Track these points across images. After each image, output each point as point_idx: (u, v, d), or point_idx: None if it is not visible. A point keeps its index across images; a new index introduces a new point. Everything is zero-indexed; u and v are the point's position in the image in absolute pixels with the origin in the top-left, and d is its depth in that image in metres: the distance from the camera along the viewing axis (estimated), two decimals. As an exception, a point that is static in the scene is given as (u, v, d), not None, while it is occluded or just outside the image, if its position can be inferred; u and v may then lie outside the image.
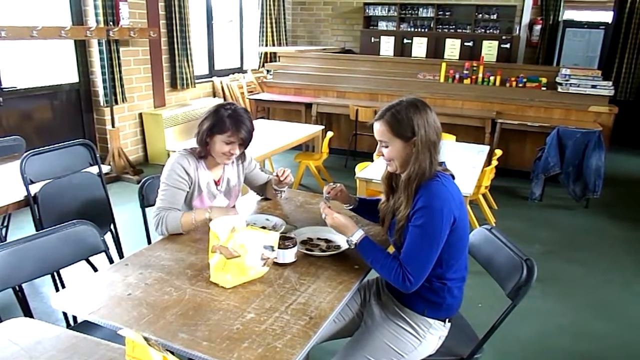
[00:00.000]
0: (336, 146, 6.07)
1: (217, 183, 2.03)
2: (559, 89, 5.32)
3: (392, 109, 1.51)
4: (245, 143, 1.91)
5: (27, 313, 1.74)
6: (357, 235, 1.57)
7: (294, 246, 1.63)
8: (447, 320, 1.62)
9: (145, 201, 2.19)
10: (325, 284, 1.51)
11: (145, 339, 1.04)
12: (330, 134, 4.80)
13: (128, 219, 3.79)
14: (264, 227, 1.84)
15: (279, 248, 1.59)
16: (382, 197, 1.72)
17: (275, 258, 1.59)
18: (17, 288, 1.79)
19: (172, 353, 1.14)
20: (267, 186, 2.23)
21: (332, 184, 1.90)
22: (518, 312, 1.65)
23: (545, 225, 4.17)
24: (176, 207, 1.88)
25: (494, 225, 4.00)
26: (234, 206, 2.08)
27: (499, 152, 4.10)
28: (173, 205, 1.87)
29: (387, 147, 1.52)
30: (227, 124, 1.84)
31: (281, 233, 1.74)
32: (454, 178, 1.57)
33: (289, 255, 1.62)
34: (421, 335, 1.59)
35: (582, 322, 2.77)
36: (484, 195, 4.14)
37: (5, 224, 3.12)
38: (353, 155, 5.96)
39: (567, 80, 5.30)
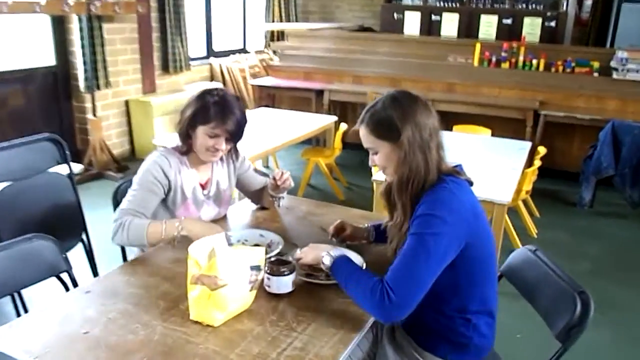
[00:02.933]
0: (351, 140, 5.92)
1: (203, 186, 2.00)
2: (614, 75, 5.16)
3: (371, 109, 1.51)
4: (233, 137, 1.89)
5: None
6: (330, 256, 1.51)
7: (291, 272, 1.55)
8: (475, 365, 1.54)
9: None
10: (328, 322, 1.43)
11: None
12: (344, 126, 4.73)
13: (108, 227, 3.73)
14: (257, 245, 1.78)
15: (272, 274, 1.54)
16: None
17: (268, 286, 1.54)
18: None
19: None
20: (263, 192, 2.18)
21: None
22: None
23: (596, 237, 4.05)
24: (144, 214, 1.82)
25: (535, 235, 3.87)
26: (222, 216, 2.03)
27: (542, 150, 3.98)
28: (140, 210, 1.82)
29: (376, 153, 1.52)
30: (211, 112, 1.82)
31: (277, 255, 1.70)
32: (471, 184, 1.52)
33: (284, 284, 1.55)
34: (445, 386, 1.52)
35: (643, 358, 2.65)
36: (524, 201, 4.04)
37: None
38: (365, 151, 5.82)
39: (623, 65, 5.11)
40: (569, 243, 3.91)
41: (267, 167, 5.46)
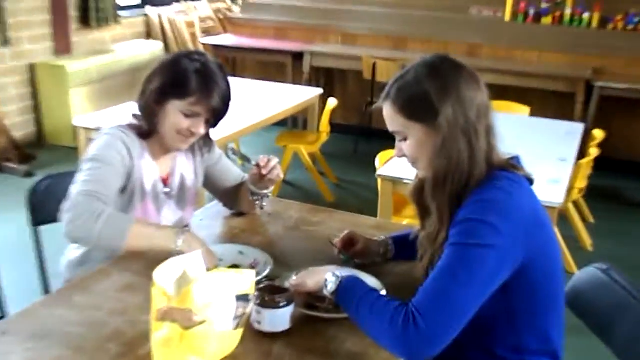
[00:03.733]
0: (341, 121, 6.05)
1: (165, 181, 2.04)
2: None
3: (400, 80, 1.54)
4: (216, 117, 1.95)
5: None
6: (336, 277, 1.53)
7: (288, 304, 1.55)
8: None
9: (39, 214, 2.14)
10: (341, 371, 1.43)
11: None
12: (332, 102, 4.76)
13: (10, 241, 3.71)
14: (235, 266, 1.81)
15: (264, 306, 1.54)
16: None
17: (259, 322, 1.54)
18: None
19: None
20: (240, 192, 2.19)
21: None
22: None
23: None
24: (108, 195, 1.84)
25: (590, 248, 3.93)
26: (185, 224, 2.03)
27: (599, 135, 4.06)
28: (105, 193, 1.82)
29: (405, 139, 1.55)
30: (192, 83, 1.86)
31: (267, 280, 1.70)
32: (531, 183, 1.55)
33: (280, 320, 1.55)
34: None
35: None
36: (575, 202, 4.11)
37: None
38: (367, 136, 5.97)
39: None
40: (632, 257, 3.97)
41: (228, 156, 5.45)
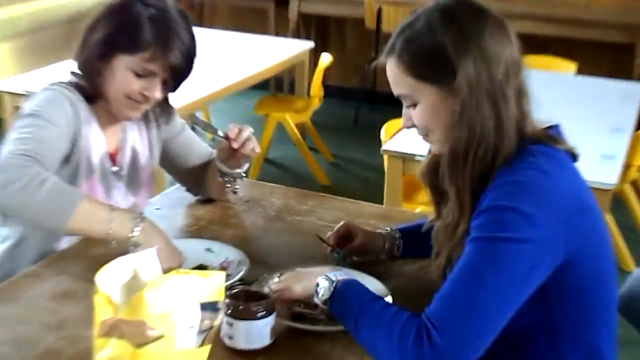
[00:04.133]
0: (337, 82, 6.10)
1: (113, 158, 2.05)
2: None
3: (407, 29, 1.53)
4: (175, 78, 1.93)
5: None
6: (329, 281, 1.53)
7: (268, 314, 1.54)
8: None
9: None
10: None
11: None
12: (326, 58, 4.78)
13: None
14: (201, 267, 1.81)
15: (238, 317, 1.52)
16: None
17: (230, 337, 1.52)
18: None
19: None
20: (207, 172, 2.20)
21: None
22: None
23: None
24: (51, 161, 1.81)
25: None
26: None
27: None
28: (46, 155, 1.79)
29: (414, 105, 1.54)
30: (145, 33, 1.85)
31: (241, 284, 1.70)
32: (575, 159, 1.54)
33: (259, 334, 1.54)
34: None
35: None
36: (633, 183, 4.09)
37: None
38: (370, 101, 6.06)
39: None
40: None
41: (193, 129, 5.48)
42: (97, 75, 1.90)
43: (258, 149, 2.08)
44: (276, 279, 1.65)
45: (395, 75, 1.53)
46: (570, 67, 4.49)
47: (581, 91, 3.85)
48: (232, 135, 1.99)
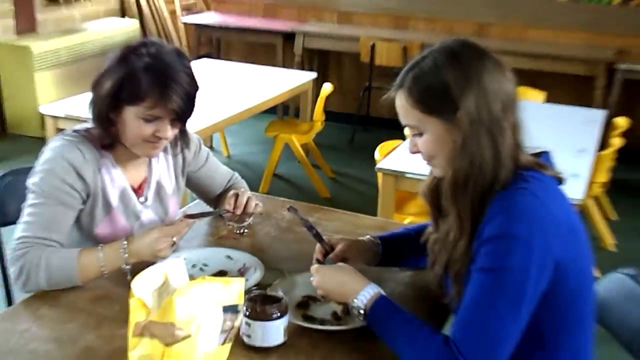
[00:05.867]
0: (336, 108, 6.11)
1: (138, 191, 2.02)
2: None
3: (416, 67, 1.54)
4: (181, 116, 1.87)
5: None
6: (367, 295, 1.57)
7: (282, 315, 1.55)
8: None
9: (1, 216, 2.18)
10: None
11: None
12: (327, 87, 4.80)
13: None
14: (222, 274, 1.83)
15: (255, 319, 1.54)
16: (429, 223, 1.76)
17: (248, 336, 1.54)
18: None
19: None
20: (226, 193, 2.17)
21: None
22: None
23: None
24: (57, 241, 1.82)
25: (613, 248, 3.92)
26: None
27: (622, 123, 4.06)
28: (52, 235, 1.81)
29: (420, 134, 1.56)
30: (143, 84, 1.79)
31: (257, 288, 1.71)
32: (560, 182, 1.57)
33: (274, 333, 1.56)
34: None
35: None
36: (595, 198, 4.12)
37: None
38: (364, 124, 6.08)
39: None
40: None
41: (211, 148, 5.47)
42: (112, 126, 1.87)
43: (260, 206, 2.10)
44: (314, 272, 1.66)
45: (403, 108, 1.55)
46: (539, 96, 4.50)
47: (549, 117, 3.85)
48: (229, 207, 2.02)
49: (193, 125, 2.16)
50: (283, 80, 4.72)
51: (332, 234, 1.93)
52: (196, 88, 1.87)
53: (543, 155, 1.58)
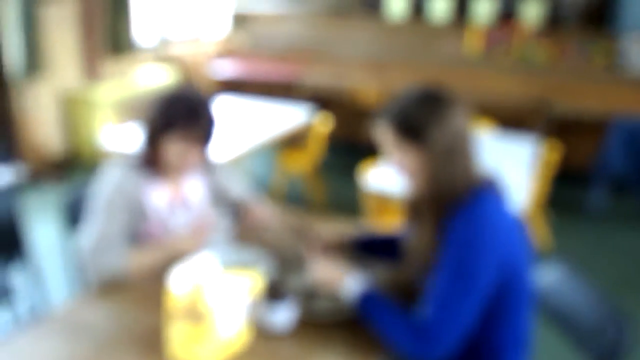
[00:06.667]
0: (334, 138, 6.43)
1: (176, 202, 2.22)
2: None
3: (394, 103, 1.71)
4: (204, 140, 2.11)
5: None
6: (355, 285, 1.72)
7: (290, 308, 1.73)
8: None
9: (73, 224, 2.33)
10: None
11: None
12: (327, 121, 5.18)
13: (49, 247, 3.97)
14: (243, 266, 1.97)
15: (270, 308, 1.71)
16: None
17: (265, 323, 1.72)
18: None
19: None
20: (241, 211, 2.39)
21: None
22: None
23: (610, 250, 4.51)
24: (115, 247, 2.04)
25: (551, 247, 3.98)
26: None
27: (555, 148, 4.40)
28: (113, 243, 2.03)
29: (398, 159, 1.73)
30: (179, 118, 2.05)
31: (270, 280, 1.86)
32: (505, 197, 1.74)
33: (283, 322, 1.71)
34: None
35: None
36: (536, 207, 4.43)
37: None
38: (353, 151, 6.49)
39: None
40: (580, 256, 4.28)
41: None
42: (157, 153, 2.10)
43: (276, 220, 2.31)
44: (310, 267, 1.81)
45: (383, 135, 1.71)
46: (489, 124, 4.84)
47: (497, 143, 4.19)
48: (241, 213, 2.28)
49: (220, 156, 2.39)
50: (293, 115, 5.05)
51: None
52: (213, 120, 2.11)
53: (490, 174, 1.73)
